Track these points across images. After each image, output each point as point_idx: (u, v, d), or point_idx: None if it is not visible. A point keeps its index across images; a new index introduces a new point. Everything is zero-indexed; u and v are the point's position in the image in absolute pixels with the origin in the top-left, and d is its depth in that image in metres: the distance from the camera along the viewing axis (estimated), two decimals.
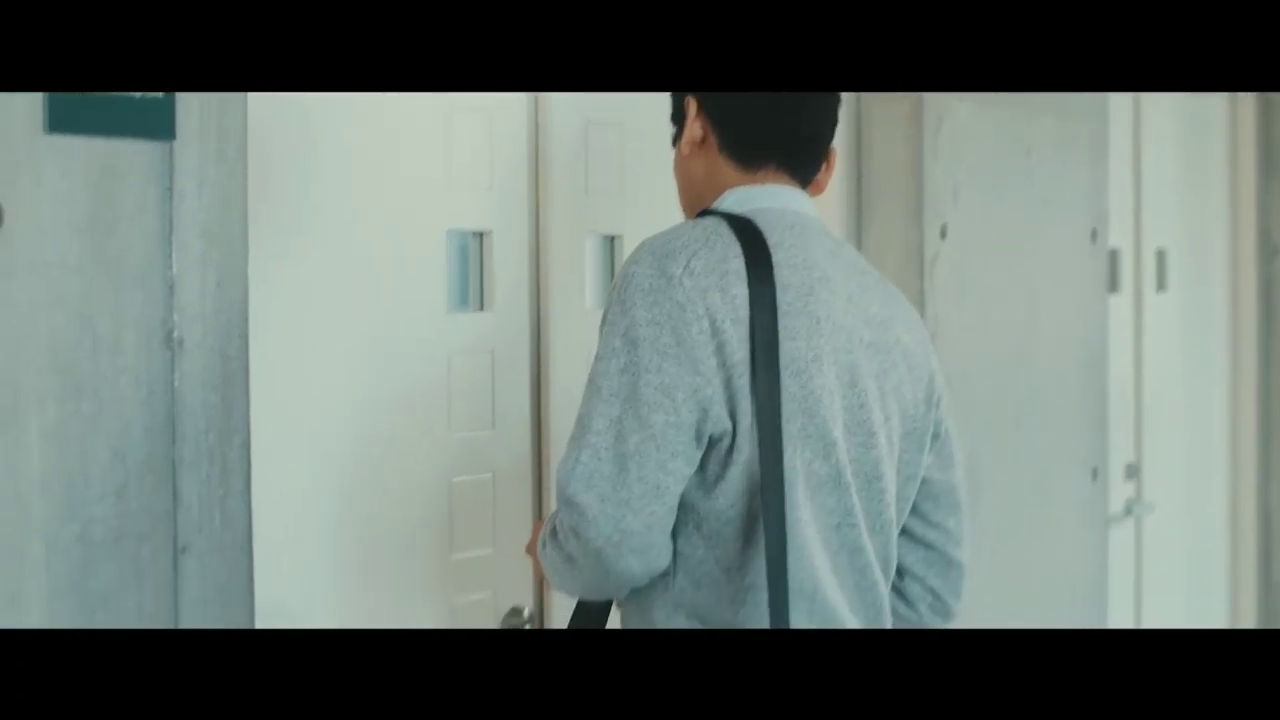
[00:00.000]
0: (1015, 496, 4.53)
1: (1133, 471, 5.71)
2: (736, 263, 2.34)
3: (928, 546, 2.65)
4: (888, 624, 2.54)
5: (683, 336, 2.30)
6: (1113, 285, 5.39)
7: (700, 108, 2.52)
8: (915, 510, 2.62)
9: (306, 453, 2.91)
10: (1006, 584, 4.47)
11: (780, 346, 2.34)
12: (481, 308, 3.29)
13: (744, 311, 2.32)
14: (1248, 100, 6.26)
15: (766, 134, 2.52)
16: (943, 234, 4.17)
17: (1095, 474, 5.02)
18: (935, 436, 2.60)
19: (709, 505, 2.35)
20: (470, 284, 3.28)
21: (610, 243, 3.54)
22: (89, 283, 2.34)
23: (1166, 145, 5.81)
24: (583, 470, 2.27)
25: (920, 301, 4.02)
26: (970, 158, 4.27)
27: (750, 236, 2.38)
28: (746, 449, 2.32)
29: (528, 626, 3.31)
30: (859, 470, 2.44)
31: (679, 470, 2.30)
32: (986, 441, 4.35)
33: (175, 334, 2.45)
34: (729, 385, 2.30)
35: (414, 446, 3.12)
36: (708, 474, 2.34)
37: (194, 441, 2.47)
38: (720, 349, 2.30)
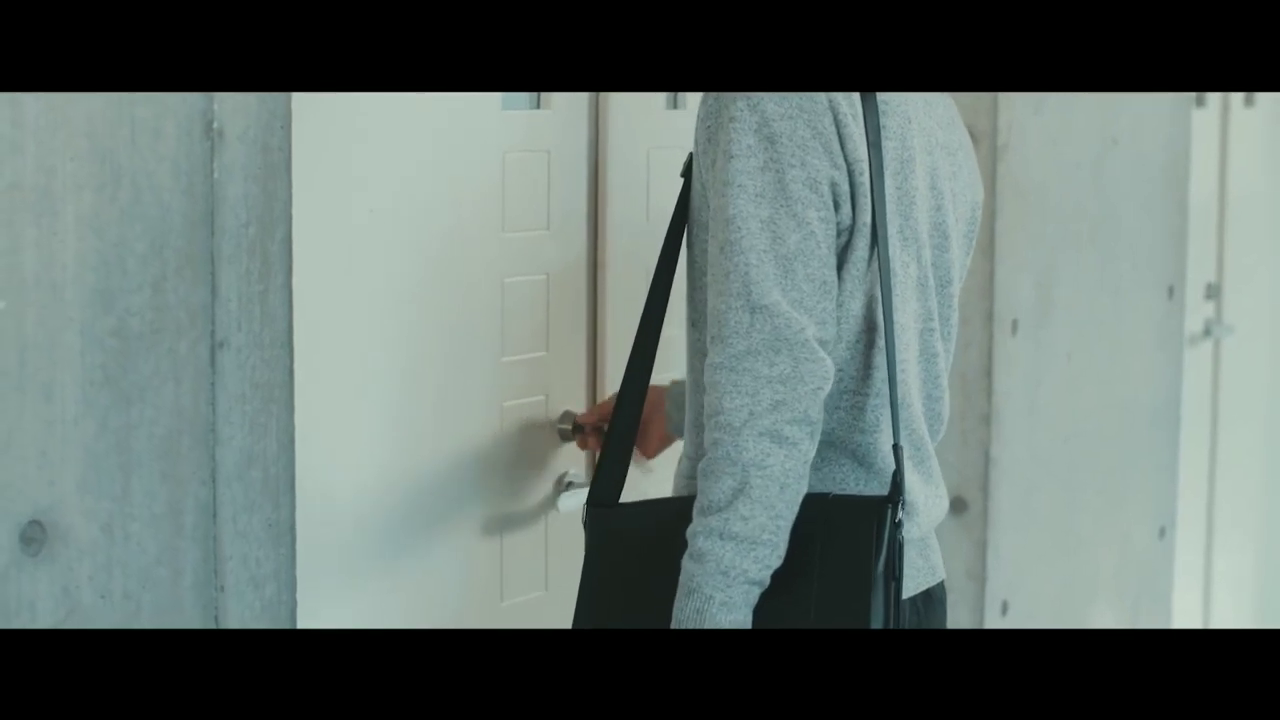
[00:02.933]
0: (1087, 314, 4.47)
1: (1213, 291, 5.63)
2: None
3: None
4: (942, 433, 2.53)
5: (817, 128, 2.28)
6: (1198, 98, 5.28)
7: None
8: None
9: (350, 248, 2.88)
10: (1076, 403, 4.42)
11: (883, 145, 2.34)
12: (538, 105, 3.23)
13: (859, 107, 2.31)
14: None
15: None
16: None
17: (1171, 292, 4.95)
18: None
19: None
20: None
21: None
22: None
23: None
24: (755, 273, 2.23)
25: (993, 109, 3.94)
26: None
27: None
28: (861, 247, 2.31)
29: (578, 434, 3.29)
30: (937, 274, 2.47)
31: (834, 264, 2.29)
32: (1059, 256, 4.28)
33: (215, 124, 2.41)
34: (852, 180, 2.29)
35: (466, 245, 3.08)
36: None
37: (234, 235, 2.44)
38: (844, 143, 2.29)
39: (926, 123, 2.45)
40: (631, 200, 3.36)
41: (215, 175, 2.41)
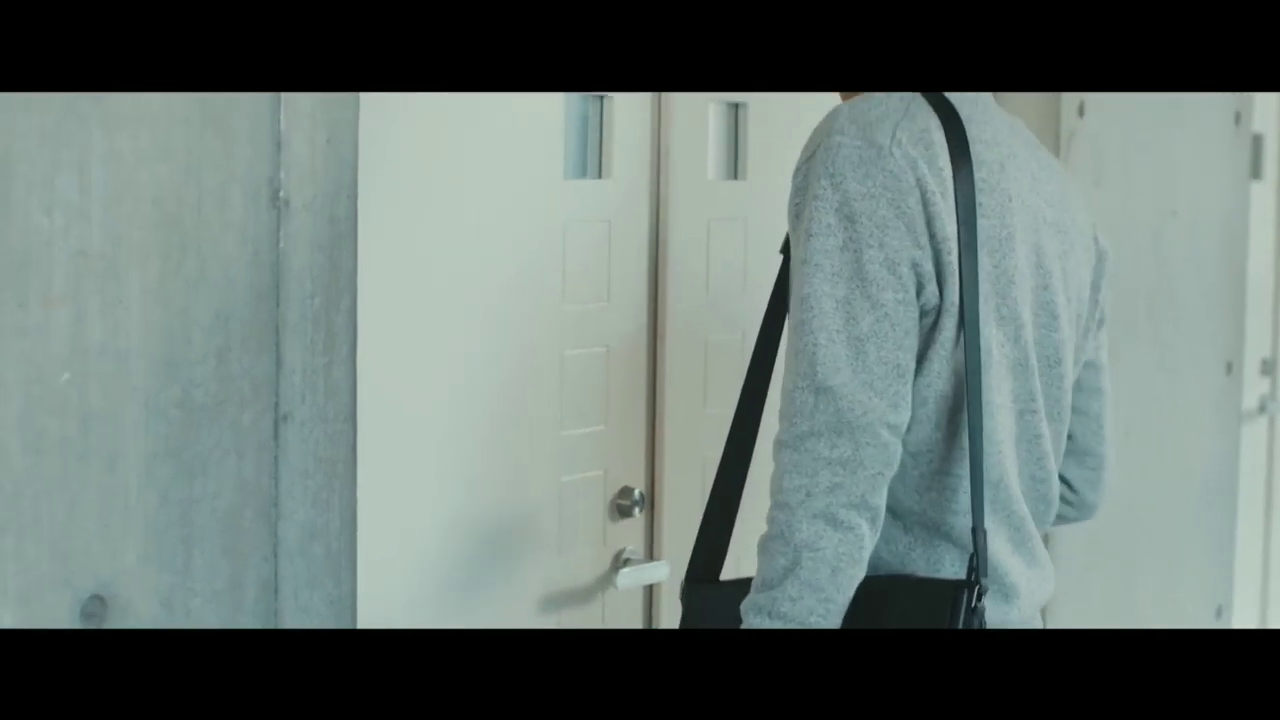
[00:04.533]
0: (1145, 388, 4.43)
1: (1269, 367, 5.59)
2: (939, 135, 2.30)
3: (1068, 435, 2.61)
4: (1052, 516, 2.54)
5: (900, 208, 2.25)
6: (1255, 171, 5.25)
7: None
8: None
9: (414, 319, 2.86)
10: (1133, 479, 4.38)
11: (977, 223, 2.32)
12: (600, 175, 3.22)
13: (950, 185, 2.28)
14: None
15: None
16: (1080, 111, 4.05)
17: (1230, 368, 4.91)
18: (1100, 322, 2.62)
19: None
20: (589, 150, 3.21)
21: (734, 110, 3.46)
22: (196, 136, 2.29)
23: None
24: (824, 354, 2.22)
25: None
26: None
27: (946, 110, 2.34)
28: (949, 327, 2.29)
29: (637, 510, 3.26)
30: (1042, 354, 2.44)
31: (912, 347, 2.27)
32: (1117, 329, 4.25)
33: (282, 193, 2.39)
34: (938, 260, 2.26)
35: (526, 318, 3.06)
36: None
37: (299, 305, 2.43)
38: (930, 222, 2.26)
39: (1032, 200, 2.42)
40: (692, 272, 3.34)
41: (281, 245, 2.40)
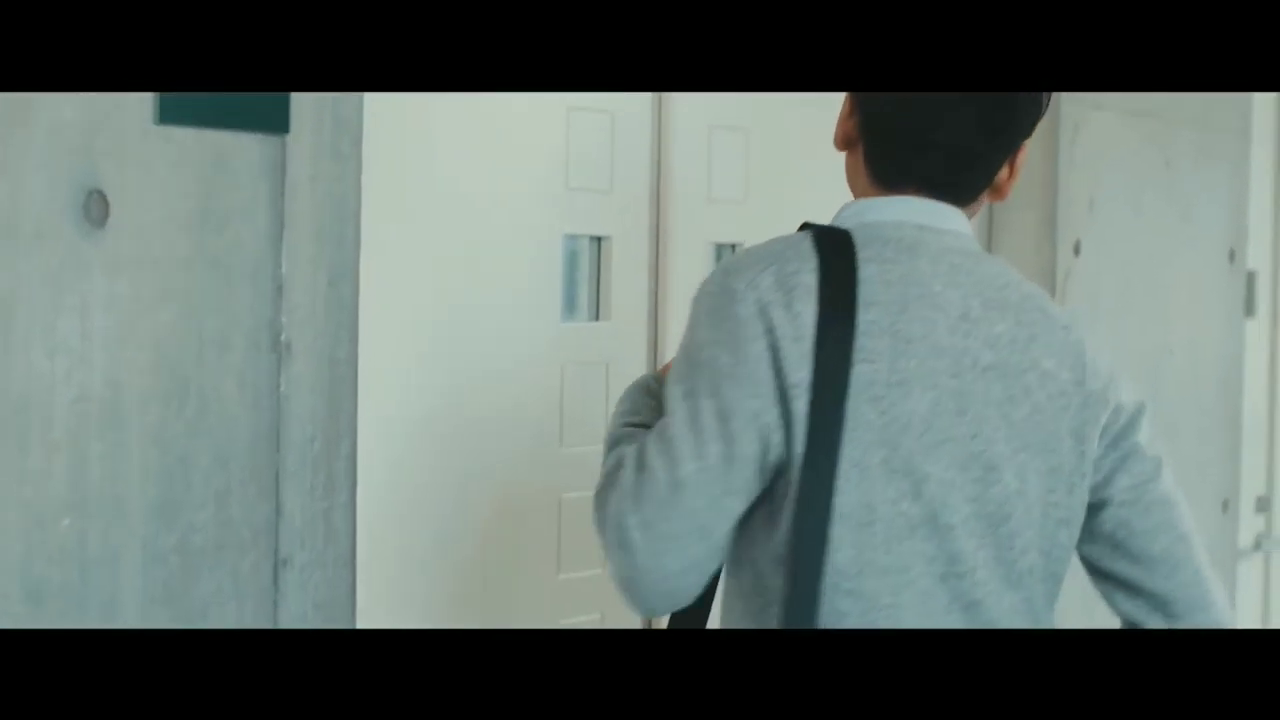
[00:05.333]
0: None
1: (1264, 505, 5.60)
2: (809, 277, 2.17)
3: (1131, 589, 2.39)
4: None
5: (741, 356, 2.15)
6: (1249, 309, 5.29)
7: (854, 108, 2.36)
8: (1114, 547, 2.38)
9: (414, 464, 2.87)
10: None
11: (854, 369, 2.16)
12: (597, 317, 3.24)
13: (809, 330, 2.15)
14: None
15: (903, 145, 2.31)
16: (1076, 250, 4.09)
17: (1226, 505, 4.92)
18: (1111, 472, 2.34)
19: (765, 542, 2.18)
20: (586, 292, 3.24)
21: (732, 251, 3.49)
22: (197, 280, 2.31)
23: None
24: (642, 489, 2.12)
25: None
26: (1107, 170, 4.19)
27: (836, 249, 2.22)
28: (796, 480, 2.15)
29: None
30: (979, 511, 2.22)
31: (731, 508, 2.14)
32: None
33: (283, 336, 2.41)
34: (787, 411, 2.14)
35: (524, 460, 3.07)
36: (773, 506, 2.17)
37: (299, 449, 2.44)
38: (779, 370, 2.14)
39: (953, 342, 2.21)
40: None
41: (282, 388, 2.41)
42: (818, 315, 2.16)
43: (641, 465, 2.14)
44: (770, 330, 2.14)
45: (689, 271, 3.36)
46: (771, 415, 2.13)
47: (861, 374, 2.16)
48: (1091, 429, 2.30)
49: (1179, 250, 4.54)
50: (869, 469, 2.16)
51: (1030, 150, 2.39)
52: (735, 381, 2.13)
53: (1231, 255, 4.78)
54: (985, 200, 2.39)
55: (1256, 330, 5.40)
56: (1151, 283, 4.43)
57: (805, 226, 2.28)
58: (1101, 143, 4.17)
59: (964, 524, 2.20)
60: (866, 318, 2.18)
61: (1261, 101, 5.19)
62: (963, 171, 2.32)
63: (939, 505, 2.19)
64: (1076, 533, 2.33)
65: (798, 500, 2.15)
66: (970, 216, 2.36)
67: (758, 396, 2.13)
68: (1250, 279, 5.26)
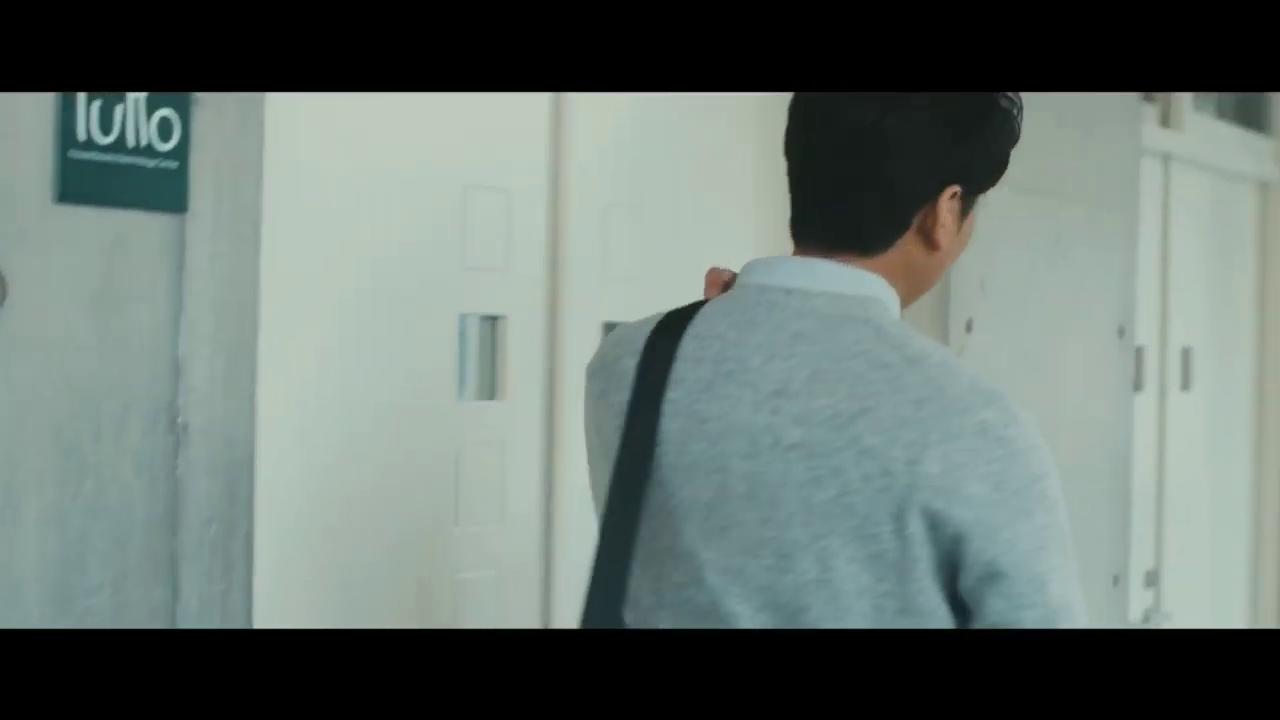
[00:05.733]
0: None
1: (1152, 579, 5.68)
2: (629, 362, 2.22)
3: None
4: None
5: (590, 442, 2.32)
6: (1137, 383, 5.39)
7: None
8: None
9: (310, 546, 2.87)
10: None
11: (655, 452, 2.18)
12: (493, 396, 3.26)
13: (620, 420, 2.21)
14: (1277, 193, 6.27)
15: (795, 199, 2.25)
16: (968, 328, 4.15)
17: (1116, 580, 4.98)
18: (979, 595, 2.13)
19: None
20: (482, 371, 3.25)
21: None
22: (95, 361, 2.31)
23: (1193, 238, 5.81)
24: None
25: None
26: (999, 247, 4.25)
27: (667, 329, 2.23)
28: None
29: None
30: (770, 601, 2.14)
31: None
32: None
33: (180, 418, 2.41)
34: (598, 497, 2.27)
35: (420, 541, 3.08)
36: None
37: (196, 532, 2.43)
38: (604, 463, 2.25)
39: (755, 420, 2.14)
40: (586, 495, 3.37)
41: (179, 470, 2.41)
42: (628, 403, 2.21)
43: None
44: (598, 421, 2.28)
45: (583, 350, 3.38)
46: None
47: (658, 458, 2.17)
48: (913, 515, 2.08)
49: (1069, 326, 4.61)
50: (656, 554, 2.17)
51: None
52: (592, 456, 2.31)
53: (1121, 331, 4.86)
54: (914, 250, 2.23)
55: (1144, 404, 5.49)
56: (1043, 359, 4.50)
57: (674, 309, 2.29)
58: (993, 219, 4.23)
59: (752, 613, 2.14)
60: (671, 396, 2.18)
61: (1149, 176, 5.29)
62: (846, 220, 2.21)
63: (720, 593, 2.14)
64: (939, 619, 2.14)
65: (590, 585, 2.22)
66: (894, 271, 2.22)
67: (599, 479, 2.28)
68: (1138, 354, 5.35)
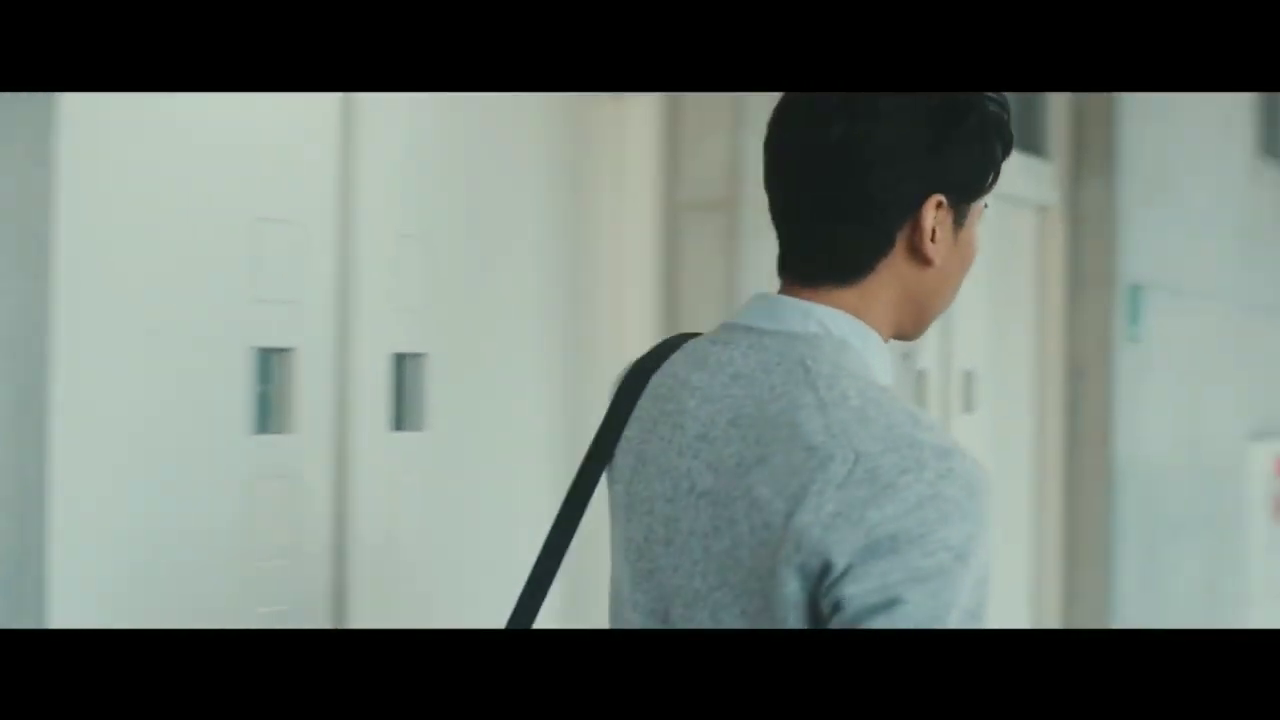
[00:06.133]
0: None
1: None
2: (614, 388, 2.26)
3: None
4: None
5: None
6: (967, 405, 5.47)
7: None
8: None
9: (104, 583, 2.85)
10: None
11: (611, 489, 2.22)
12: (284, 430, 3.25)
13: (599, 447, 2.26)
14: (1055, 217, 6.40)
15: (778, 233, 2.14)
16: None
17: None
18: (826, 612, 1.96)
19: None
20: (273, 403, 3.25)
21: (418, 361, 3.52)
22: None
23: (976, 262, 5.89)
24: None
25: None
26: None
27: (643, 363, 2.22)
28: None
29: None
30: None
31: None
32: None
33: None
34: None
35: (214, 575, 3.06)
36: None
37: None
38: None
39: (682, 465, 2.10)
40: (377, 528, 3.38)
41: None
42: (597, 431, 2.21)
43: None
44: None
45: (374, 381, 3.39)
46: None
47: (614, 494, 2.21)
48: (786, 570, 1.97)
49: None
50: (619, 587, 2.20)
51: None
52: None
53: (904, 354, 4.93)
54: (906, 271, 2.11)
55: (977, 426, 5.57)
56: None
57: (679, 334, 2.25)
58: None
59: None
60: (628, 434, 2.18)
61: None
62: (820, 249, 2.10)
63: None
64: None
65: (515, 604, 2.23)
66: (882, 298, 2.10)
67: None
68: (920, 377, 5.44)
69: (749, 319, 2.12)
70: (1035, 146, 6.38)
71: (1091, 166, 6.50)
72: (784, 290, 2.12)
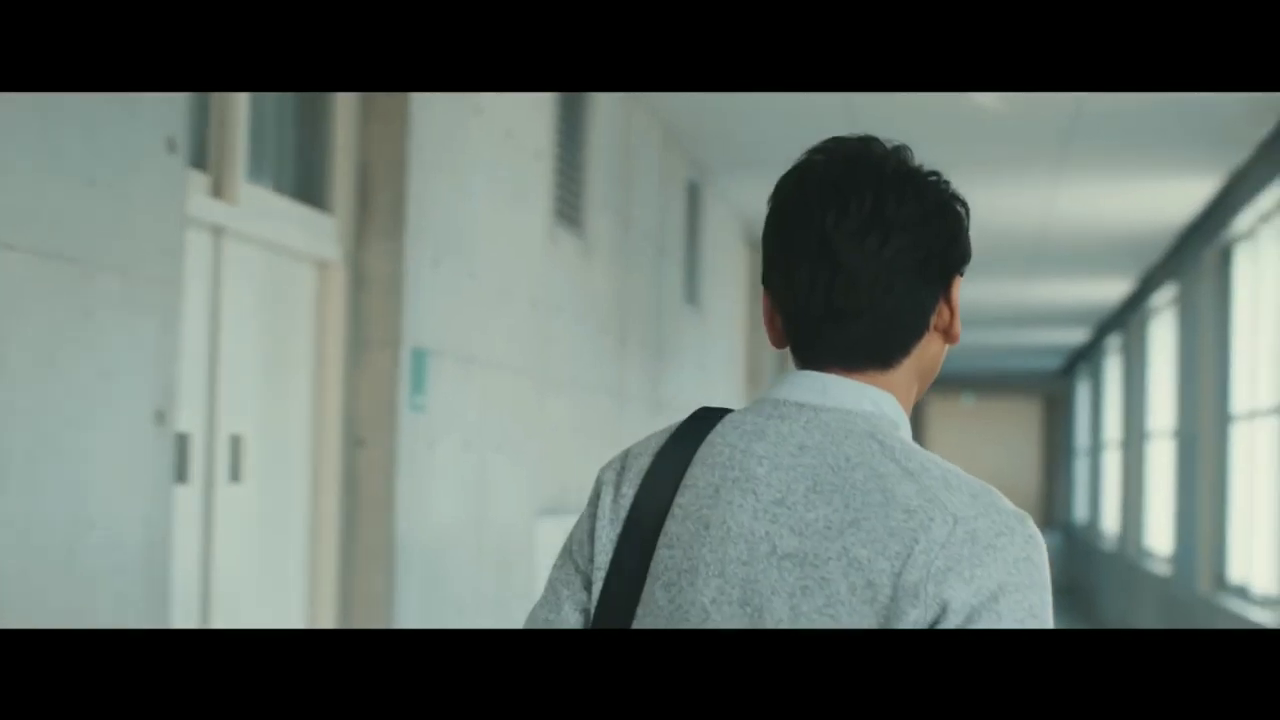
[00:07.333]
0: None
1: None
2: (645, 460, 2.41)
3: None
4: None
5: (582, 535, 2.44)
6: (180, 474, 5.14)
7: (772, 306, 2.43)
8: None
9: None
10: None
11: (657, 554, 2.35)
12: None
13: (624, 514, 2.40)
14: (337, 274, 6.17)
15: (807, 324, 2.39)
16: None
17: None
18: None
19: None
20: None
21: None
22: None
23: (247, 317, 5.63)
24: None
25: None
26: (13, 321, 3.90)
27: (689, 433, 2.41)
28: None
29: None
30: None
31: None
32: None
33: None
34: (589, 589, 2.41)
35: None
36: None
37: None
38: (590, 553, 2.41)
39: (756, 527, 2.30)
40: None
41: None
42: (633, 499, 2.39)
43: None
44: (594, 514, 2.43)
45: None
46: (584, 595, 2.41)
47: (661, 559, 2.34)
48: (896, 626, 2.23)
49: (101, 410, 4.30)
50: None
51: None
52: (570, 558, 2.44)
53: (159, 416, 4.59)
54: (930, 353, 2.42)
55: (189, 496, 5.25)
56: (70, 446, 4.17)
57: (701, 408, 2.46)
58: (12, 289, 3.89)
59: None
60: (680, 500, 2.36)
61: (198, 249, 5.07)
62: (882, 334, 2.37)
63: None
64: None
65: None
66: (911, 376, 2.41)
67: (577, 573, 2.42)
68: (181, 442, 5.11)
69: (798, 395, 2.37)
70: (316, 199, 6.16)
71: (378, 223, 6.33)
72: (818, 369, 2.39)
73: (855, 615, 2.23)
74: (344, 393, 6.25)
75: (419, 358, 6.40)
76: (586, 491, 9.00)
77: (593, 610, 2.37)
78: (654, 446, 2.41)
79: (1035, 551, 2.26)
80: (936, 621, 2.20)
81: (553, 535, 8.16)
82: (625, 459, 2.43)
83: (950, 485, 2.27)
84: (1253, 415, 12.75)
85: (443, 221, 6.66)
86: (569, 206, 8.78)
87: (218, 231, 5.35)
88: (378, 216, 6.33)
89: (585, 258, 9.06)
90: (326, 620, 6.17)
